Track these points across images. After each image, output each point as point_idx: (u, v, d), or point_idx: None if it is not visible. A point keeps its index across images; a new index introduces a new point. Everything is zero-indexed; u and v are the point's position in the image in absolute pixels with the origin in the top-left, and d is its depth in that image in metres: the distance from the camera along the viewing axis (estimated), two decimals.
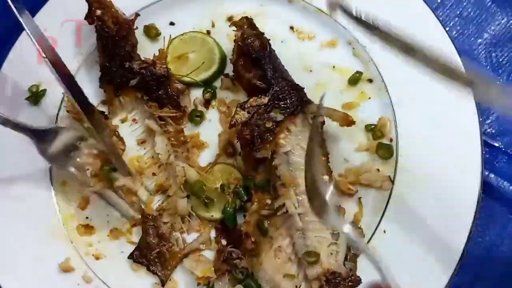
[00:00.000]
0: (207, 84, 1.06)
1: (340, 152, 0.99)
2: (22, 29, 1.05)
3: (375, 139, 0.98)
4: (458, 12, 1.07)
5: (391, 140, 0.97)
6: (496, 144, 0.99)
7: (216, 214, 0.97)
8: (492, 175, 0.96)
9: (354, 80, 1.02)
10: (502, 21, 1.05)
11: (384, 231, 0.92)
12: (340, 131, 0.99)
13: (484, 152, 0.91)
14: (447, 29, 0.99)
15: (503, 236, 0.94)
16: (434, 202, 0.90)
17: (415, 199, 0.92)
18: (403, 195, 0.92)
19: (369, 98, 1.01)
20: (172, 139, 1.02)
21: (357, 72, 1.02)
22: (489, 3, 1.06)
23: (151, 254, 0.96)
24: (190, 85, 1.06)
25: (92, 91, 1.06)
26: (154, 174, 1.02)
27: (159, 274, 0.96)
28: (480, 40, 1.05)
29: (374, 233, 0.92)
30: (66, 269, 0.96)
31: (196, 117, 1.04)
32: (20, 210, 0.99)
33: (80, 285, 0.95)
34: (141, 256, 0.97)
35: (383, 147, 0.97)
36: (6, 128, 1.01)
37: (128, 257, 0.97)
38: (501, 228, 0.94)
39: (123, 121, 1.06)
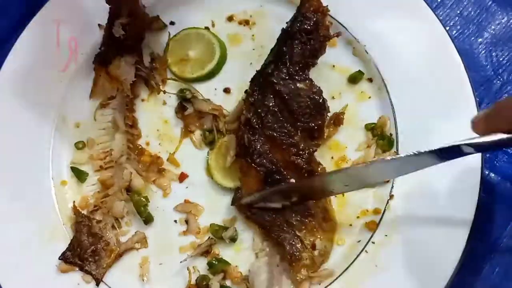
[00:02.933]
0: (214, 74, 1.07)
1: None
2: (22, 29, 1.06)
3: (374, 137, 0.98)
4: (458, 12, 1.07)
5: (390, 135, 0.97)
6: None
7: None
8: (492, 175, 0.96)
9: (354, 78, 1.02)
10: (503, 21, 1.05)
11: (384, 232, 0.92)
12: (339, 130, 0.99)
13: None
14: (447, 28, 0.98)
15: (503, 236, 0.94)
16: (434, 201, 0.90)
17: (414, 199, 0.91)
18: (403, 195, 0.92)
19: (369, 97, 1.01)
20: (130, 144, 1.02)
21: (358, 71, 1.02)
22: (490, 3, 1.06)
23: (86, 253, 0.96)
24: (198, 81, 1.06)
25: None
26: (101, 167, 1.02)
27: (93, 273, 0.95)
28: (480, 40, 1.05)
29: (374, 233, 0.92)
30: (66, 269, 0.96)
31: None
32: (20, 210, 0.99)
33: (80, 285, 0.96)
34: (74, 256, 0.96)
35: (384, 138, 0.97)
36: (5, 127, 1.02)
37: (59, 258, 0.96)
38: (501, 228, 0.94)
39: (102, 106, 1.07)
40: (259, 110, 0.94)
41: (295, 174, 0.92)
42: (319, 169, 0.95)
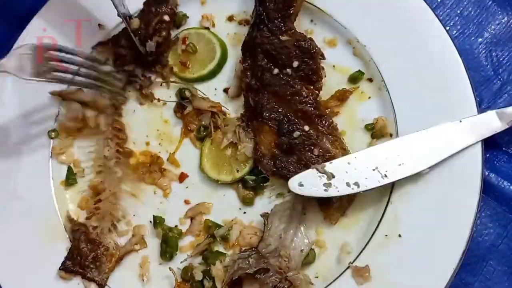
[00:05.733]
0: (215, 74, 1.07)
1: None
2: (22, 29, 1.06)
3: (373, 138, 0.99)
4: (458, 12, 1.06)
5: (390, 135, 0.97)
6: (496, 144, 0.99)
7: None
8: (492, 175, 0.96)
9: (354, 78, 1.02)
10: (503, 20, 1.05)
11: (384, 232, 0.92)
12: (339, 130, 0.99)
13: (484, 151, 0.91)
14: (447, 28, 0.98)
15: (503, 236, 0.94)
16: (434, 202, 0.90)
17: (415, 199, 0.91)
18: (403, 195, 0.92)
19: (369, 97, 1.01)
20: (119, 148, 1.02)
21: (358, 71, 1.02)
22: (489, 2, 1.06)
23: (86, 260, 0.95)
24: (198, 81, 1.07)
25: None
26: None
27: (96, 279, 0.95)
28: (480, 39, 1.04)
29: (374, 233, 0.92)
30: (66, 276, 0.96)
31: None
32: (20, 210, 0.99)
33: (80, 285, 0.96)
34: (74, 265, 0.95)
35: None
36: (6, 129, 1.01)
37: (60, 269, 0.95)
38: (501, 228, 0.94)
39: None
40: (255, 73, 0.98)
41: (306, 121, 0.96)
42: (327, 111, 0.98)
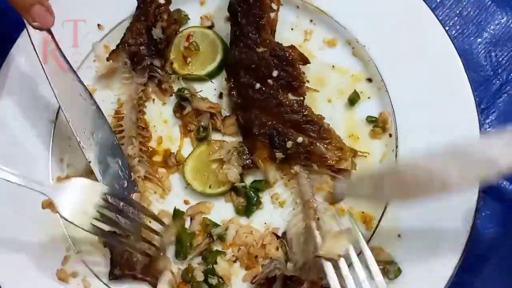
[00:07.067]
0: (214, 76, 1.07)
1: None
2: (22, 28, 1.06)
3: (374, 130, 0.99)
4: (457, 12, 1.07)
5: (390, 135, 0.97)
6: None
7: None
8: None
9: (353, 100, 1.01)
10: (502, 21, 1.05)
11: (384, 231, 0.91)
12: (340, 129, 0.99)
13: None
14: (446, 28, 0.98)
15: (503, 236, 0.94)
16: (434, 202, 0.90)
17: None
18: None
19: (369, 97, 1.01)
20: (143, 146, 1.02)
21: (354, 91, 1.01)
22: (489, 3, 1.06)
23: (128, 261, 0.94)
24: (197, 80, 1.07)
25: None
26: None
27: (147, 279, 0.94)
28: (479, 40, 1.05)
29: (373, 233, 0.92)
30: (64, 277, 0.95)
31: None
32: (20, 210, 0.98)
33: (80, 285, 0.96)
34: (123, 269, 0.94)
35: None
36: (5, 127, 1.01)
37: (110, 279, 0.95)
38: (501, 227, 0.94)
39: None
40: (240, 91, 0.99)
41: (295, 128, 0.96)
42: (318, 115, 0.98)
